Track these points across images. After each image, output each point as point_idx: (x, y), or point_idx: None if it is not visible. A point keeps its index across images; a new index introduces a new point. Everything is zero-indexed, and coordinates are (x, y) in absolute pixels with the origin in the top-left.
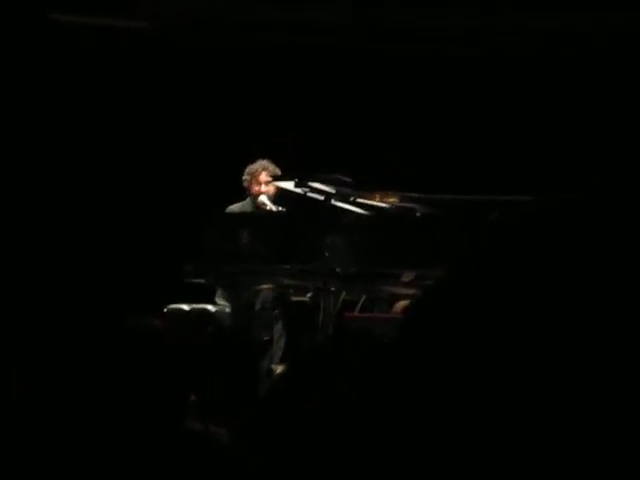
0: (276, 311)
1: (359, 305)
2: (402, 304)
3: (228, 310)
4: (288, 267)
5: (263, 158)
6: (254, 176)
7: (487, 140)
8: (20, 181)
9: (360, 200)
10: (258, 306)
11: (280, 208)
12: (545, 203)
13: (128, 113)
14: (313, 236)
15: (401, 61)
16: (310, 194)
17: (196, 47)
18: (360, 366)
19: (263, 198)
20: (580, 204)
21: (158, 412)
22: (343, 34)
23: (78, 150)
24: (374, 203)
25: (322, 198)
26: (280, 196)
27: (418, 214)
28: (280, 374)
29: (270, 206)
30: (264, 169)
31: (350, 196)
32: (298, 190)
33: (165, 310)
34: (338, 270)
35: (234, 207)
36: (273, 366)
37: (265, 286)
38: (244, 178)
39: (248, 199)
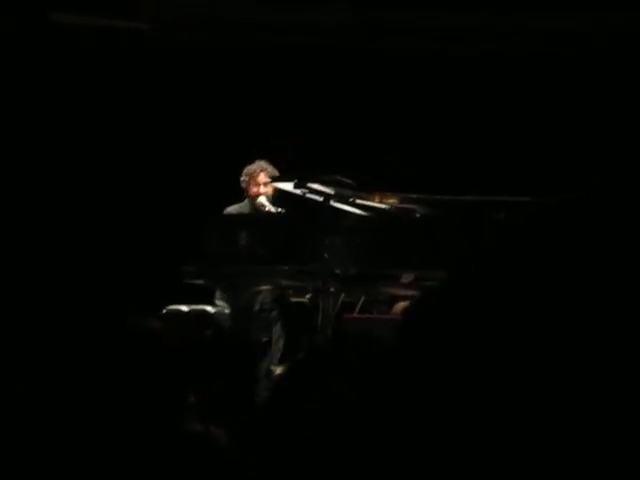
0: (274, 312)
1: (358, 306)
2: (401, 305)
3: (227, 311)
4: (287, 268)
5: (262, 159)
6: (252, 177)
7: (487, 140)
8: (20, 181)
9: (359, 201)
10: (257, 307)
11: (279, 209)
12: (545, 205)
13: (128, 114)
14: (312, 237)
15: (401, 61)
16: (309, 195)
17: (196, 48)
18: (359, 368)
19: (262, 199)
20: (580, 204)
21: (157, 413)
22: (343, 35)
23: (78, 151)
24: (374, 204)
25: (321, 199)
26: (279, 197)
27: (418, 215)
28: (279, 375)
29: (269, 207)
30: (262, 170)
31: (349, 197)
32: (297, 191)
33: (164, 311)
34: (337, 271)
35: (232, 209)
36: (272, 367)
37: (264, 287)
38: (242, 179)
39: (246, 200)
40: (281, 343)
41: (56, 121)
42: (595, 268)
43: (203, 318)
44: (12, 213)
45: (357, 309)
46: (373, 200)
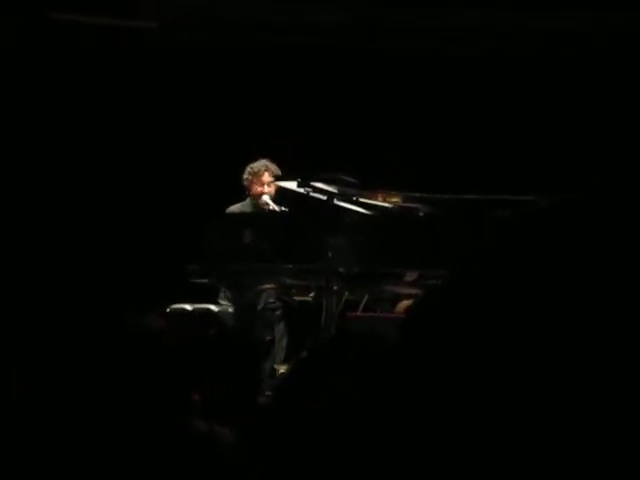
0: (278, 311)
1: (362, 305)
2: (405, 304)
3: (231, 310)
4: (291, 267)
5: (263, 158)
6: (257, 176)
7: (488, 140)
8: (21, 181)
9: (363, 200)
10: (261, 306)
11: (283, 208)
12: (547, 204)
13: (129, 113)
14: (316, 236)
15: (401, 61)
16: (313, 194)
17: (196, 48)
18: (363, 366)
19: (266, 198)
20: (581, 204)
21: (161, 411)
22: (343, 35)
23: (80, 150)
24: (377, 203)
25: (325, 198)
26: (281, 196)
27: (421, 214)
28: (283, 374)
29: (273, 206)
30: (267, 169)
31: (353, 196)
32: (301, 190)
33: (168, 310)
34: (341, 270)
35: (234, 208)
36: (276, 366)
37: (268, 286)
38: (245, 178)
39: (248, 199)
40: (284, 342)
41: (57, 120)
42: (596, 267)
43: (207, 317)
44: (13, 213)
45: (360, 307)
46: (376, 199)
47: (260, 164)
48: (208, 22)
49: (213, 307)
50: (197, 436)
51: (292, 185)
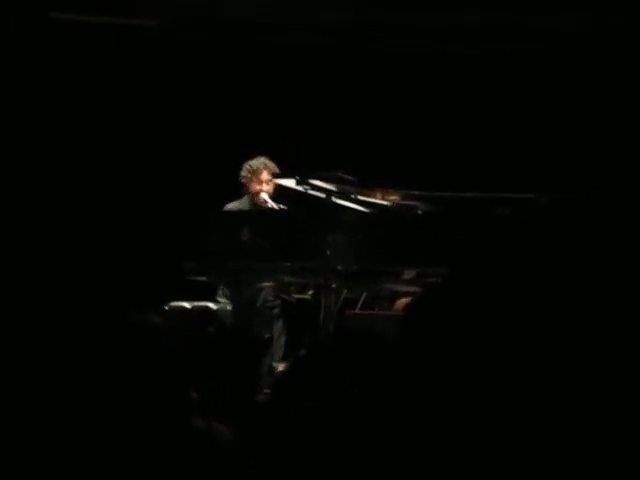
0: (276, 309)
1: (360, 303)
2: (403, 301)
3: (229, 308)
4: (289, 265)
5: (261, 155)
6: (256, 174)
7: (487, 138)
8: (21, 180)
9: (361, 198)
10: (259, 304)
11: (281, 206)
12: (547, 202)
13: (129, 112)
14: (314, 234)
15: (401, 61)
16: (311, 192)
17: (196, 48)
18: (361, 364)
19: (264, 196)
20: (581, 203)
21: (160, 409)
22: (343, 34)
23: (79, 149)
24: (375, 201)
25: (323, 196)
26: (279, 194)
27: (419, 212)
28: (282, 372)
29: (271, 204)
30: (266, 167)
31: (351, 194)
32: (299, 188)
33: (167, 308)
34: (339, 268)
35: (231, 205)
36: (274, 364)
37: (266, 284)
38: (244, 175)
39: (245, 197)
40: (283, 340)
41: (57, 120)
42: (596, 266)
43: (205, 314)
44: (12, 212)
45: (359, 305)
46: (375, 197)
47: (259, 162)
48: (208, 21)
49: (212, 305)
50: (195, 434)
51: (290, 183)
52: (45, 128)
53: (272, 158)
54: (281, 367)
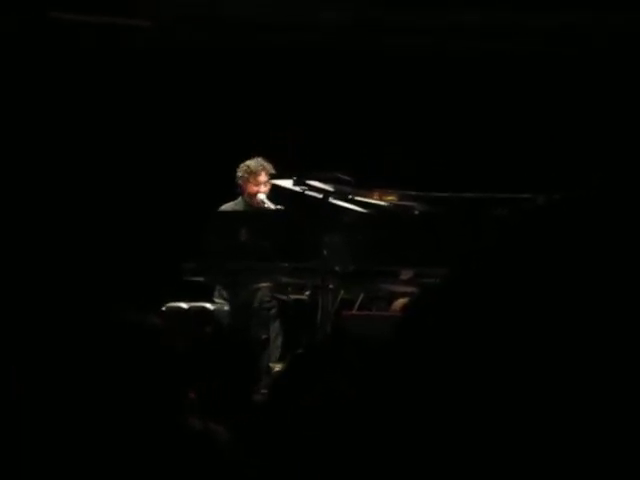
0: (273, 310)
1: (357, 303)
2: (401, 302)
3: (226, 308)
4: (286, 265)
5: (260, 156)
6: (254, 175)
7: (485, 138)
8: (20, 179)
9: (359, 198)
10: (256, 304)
11: (279, 206)
12: (546, 202)
13: (128, 112)
14: (311, 234)
15: (401, 60)
16: (308, 192)
17: (196, 47)
18: (358, 364)
19: (262, 197)
20: (581, 202)
21: (157, 410)
22: (343, 34)
23: (78, 149)
24: (373, 201)
25: (320, 196)
26: (276, 194)
27: (417, 212)
28: (278, 372)
29: (269, 204)
30: (263, 169)
31: (349, 194)
32: (296, 188)
33: (164, 308)
34: (337, 268)
35: (227, 206)
36: (271, 365)
37: (263, 284)
38: (241, 176)
39: (240, 198)
40: (280, 340)
41: (57, 119)
42: (596, 267)
43: (203, 315)
44: (11, 211)
45: (356, 306)
46: (372, 197)
47: (257, 163)
48: (208, 21)
49: (209, 305)
50: (192, 434)
51: (288, 183)
52: (45, 127)
53: (271, 157)
54: (278, 368)
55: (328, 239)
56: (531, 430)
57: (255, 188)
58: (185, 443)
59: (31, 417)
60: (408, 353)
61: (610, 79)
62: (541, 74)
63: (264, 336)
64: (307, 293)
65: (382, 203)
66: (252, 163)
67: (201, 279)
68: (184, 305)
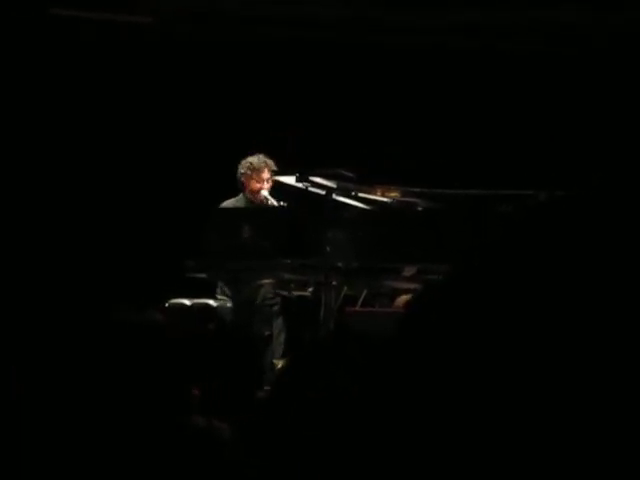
0: (276, 306)
1: (360, 300)
2: (404, 298)
3: (229, 305)
4: (289, 262)
5: (261, 152)
6: (257, 172)
7: (488, 134)
8: (20, 178)
9: (361, 195)
10: (259, 301)
11: (282, 203)
12: (549, 199)
13: (129, 108)
14: (314, 231)
15: (401, 54)
16: (311, 189)
17: (196, 42)
18: (362, 361)
19: (265, 193)
20: (582, 201)
21: (160, 407)
22: (343, 28)
23: (79, 146)
24: (375, 198)
25: (323, 193)
26: (279, 191)
27: (420, 208)
28: (281, 369)
29: (272, 201)
30: (267, 166)
31: (351, 191)
32: (299, 185)
33: (167, 305)
34: (340, 265)
35: (228, 203)
36: (274, 361)
37: (266, 281)
38: (243, 173)
39: (241, 195)
40: (282, 337)
41: (57, 116)
42: (599, 264)
43: (205, 312)
44: (12, 209)
45: (359, 302)
46: (375, 193)
47: (259, 160)
48: (207, 15)
49: (212, 302)
50: (195, 431)
51: (290, 180)
52: (45, 124)
53: (272, 153)
54: (281, 364)
55: (331, 235)
56: (534, 427)
57: (258, 185)
58: (189, 440)
59: (31, 417)
60: (411, 350)
61: (610, 79)
62: (541, 73)
63: (267, 333)
64: (310, 290)
65: (385, 199)
66: (255, 160)
67: (204, 276)
68: (187, 302)
